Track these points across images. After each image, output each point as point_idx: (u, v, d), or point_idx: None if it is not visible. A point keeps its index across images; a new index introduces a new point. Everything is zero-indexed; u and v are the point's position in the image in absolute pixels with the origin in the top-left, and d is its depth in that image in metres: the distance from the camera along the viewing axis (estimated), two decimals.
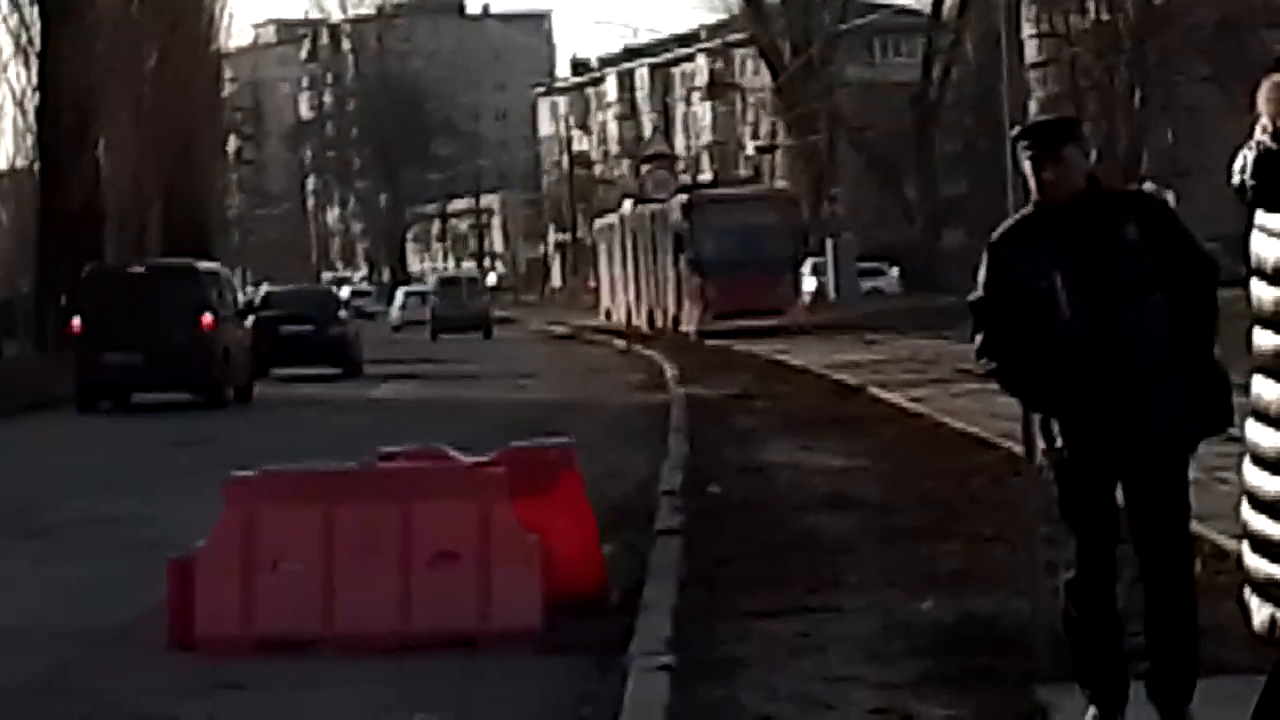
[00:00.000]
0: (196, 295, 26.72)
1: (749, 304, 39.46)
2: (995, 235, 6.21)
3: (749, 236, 40.48)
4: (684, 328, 41.25)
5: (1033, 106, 44.35)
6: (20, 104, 42.12)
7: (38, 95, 40.61)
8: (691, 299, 41.16)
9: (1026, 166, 5.98)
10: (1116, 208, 5.91)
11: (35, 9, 40.11)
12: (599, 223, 61.08)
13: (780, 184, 60.22)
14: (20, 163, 47.03)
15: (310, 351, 33.12)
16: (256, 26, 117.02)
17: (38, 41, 40.28)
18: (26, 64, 41.02)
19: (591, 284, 78.06)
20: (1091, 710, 5.77)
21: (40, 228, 41.17)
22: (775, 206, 38.96)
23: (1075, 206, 5.79)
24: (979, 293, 6.01)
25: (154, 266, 30.43)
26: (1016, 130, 6.51)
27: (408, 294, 63.12)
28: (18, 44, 40.97)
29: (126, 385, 26.76)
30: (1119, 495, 5.93)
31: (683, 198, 38.71)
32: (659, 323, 42.65)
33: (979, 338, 6.09)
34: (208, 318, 26.14)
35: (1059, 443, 5.88)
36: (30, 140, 42.39)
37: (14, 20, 40.82)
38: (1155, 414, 5.67)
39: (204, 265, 30.34)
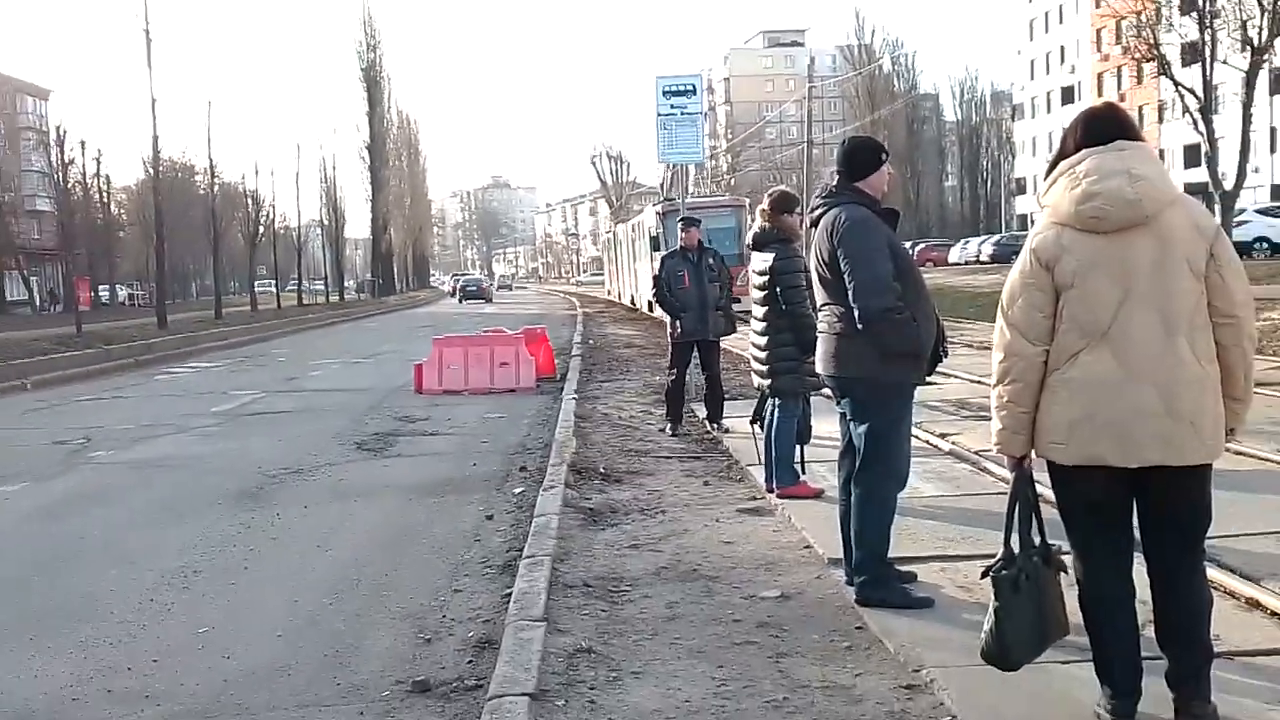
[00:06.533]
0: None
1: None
2: (665, 254, 10.74)
3: (713, 237, 31.65)
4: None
5: None
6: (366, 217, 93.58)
7: (370, 210, 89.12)
8: None
9: (680, 231, 10.41)
10: (709, 255, 10.34)
11: (368, 176, 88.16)
12: (605, 234, 74.87)
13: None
14: (363, 236, 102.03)
15: (477, 294, 71.67)
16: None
17: (370, 191, 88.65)
18: (368, 201, 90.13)
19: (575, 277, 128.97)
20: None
21: (371, 260, 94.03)
22: (736, 214, 32.64)
23: (695, 252, 10.17)
24: (658, 273, 10.44)
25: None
26: (685, 213, 11.22)
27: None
28: (365, 195, 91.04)
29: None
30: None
31: (658, 207, 32.98)
32: (639, 306, 38.00)
33: (654, 290, 10.47)
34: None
35: (677, 330, 10.23)
36: (366, 228, 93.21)
37: (367, 183, 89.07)
38: (712, 328, 10.23)
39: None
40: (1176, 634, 3.61)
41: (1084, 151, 3.55)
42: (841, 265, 5.03)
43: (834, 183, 5.28)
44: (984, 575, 3.82)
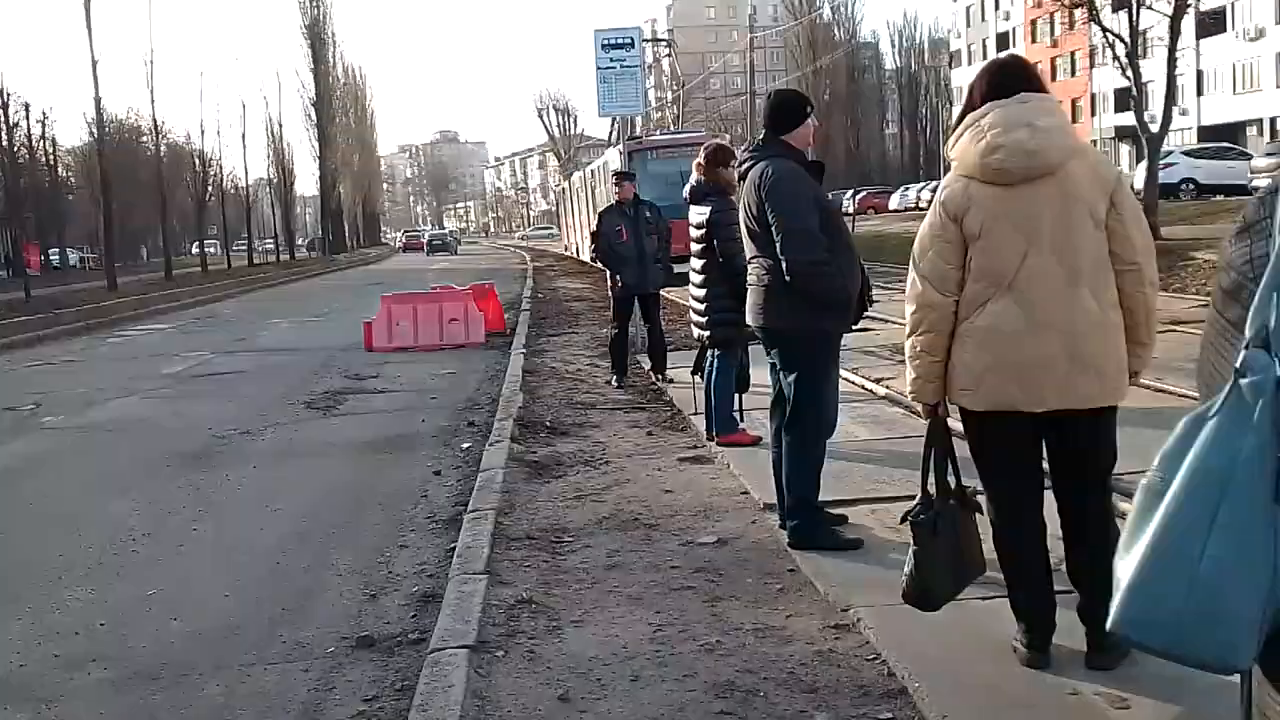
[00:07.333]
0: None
1: (686, 251, 22.37)
2: (602, 210, 10.59)
3: (687, 178, 17.45)
4: None
5: None
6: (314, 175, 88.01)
7: (318, 168, 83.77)
8: None
9: (614, 186, 10.51)
10: (645, 208, 10.36)
11: (315, 133, 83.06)
12: (558, 187, 73.41)
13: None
14: (312, 193, 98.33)
15: (442, 248, 77.05)
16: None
17: (318, 148, 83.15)
18: (316, 159, 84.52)
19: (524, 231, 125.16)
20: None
21: (321, 218, 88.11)
22: None
23: (631, 205, 10.26)
24: (595, 229, 10.55)
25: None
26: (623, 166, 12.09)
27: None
28: (312, 153, 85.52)
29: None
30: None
31: (621, 146, 25.70)
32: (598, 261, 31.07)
33: (593, 245, 10.74)
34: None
35: (618, 284, 10.51)
36: (315, 186, 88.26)
37: (314, 140, 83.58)
38: (651, 280, 10.41)
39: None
40: (1086, 569, 3.66)
41: (989, 104, 3.56)
42: (769, 218, 5.04)
43: (761, 136, 5.29)
44: (903, 520, 3.88)
